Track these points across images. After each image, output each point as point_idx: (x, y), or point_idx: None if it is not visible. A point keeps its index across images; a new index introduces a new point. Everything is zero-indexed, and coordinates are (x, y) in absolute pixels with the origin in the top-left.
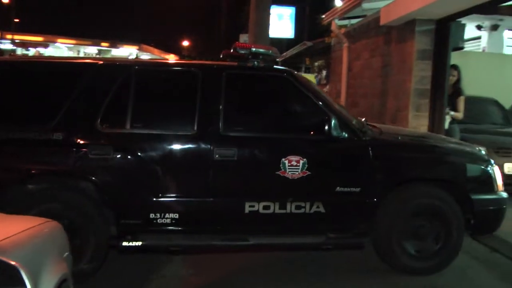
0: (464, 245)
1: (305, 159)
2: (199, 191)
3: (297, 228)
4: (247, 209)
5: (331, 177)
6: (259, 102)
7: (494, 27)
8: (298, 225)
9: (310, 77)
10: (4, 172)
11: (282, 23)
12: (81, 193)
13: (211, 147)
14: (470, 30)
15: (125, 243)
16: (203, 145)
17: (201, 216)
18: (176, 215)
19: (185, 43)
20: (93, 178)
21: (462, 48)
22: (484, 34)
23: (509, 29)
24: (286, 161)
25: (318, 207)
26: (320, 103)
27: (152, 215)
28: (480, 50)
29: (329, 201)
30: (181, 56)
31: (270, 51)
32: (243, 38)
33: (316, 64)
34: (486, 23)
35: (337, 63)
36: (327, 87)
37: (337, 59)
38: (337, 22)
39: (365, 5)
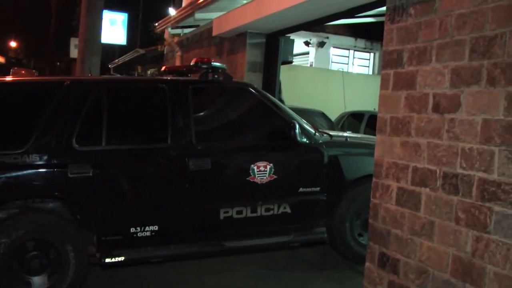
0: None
1: (271, 164)
2: (177, 201)
3: (267, 230)
4: (222, 215)
5: (294, 179)
6: (226, 113)
7: (321, 44)
8: (267, 226)
9: None
10: None
11: (114, 28)
12: (60, 215)
13: (186, 159)
14: (299, 46)
15: (108, 260)
16: (178, 157)
17: (180, 226)
18: (155, 227)
19: (13, 43)
20: (73, 197)
21: (291, 62)
22: (312, 50)
23: (334, 47)
24: (255, 167)
25: (285, 208)
26: (282, 112)
27: (132, 229)
28: (308, 65)
29: (294, 201)
30: (7, 58)
31: (225, 66)
32: (74, 42)
33: (149, 72)
34: (314, 40)
35: None
36: None
37: None
38: (170, 30)
39: (198, 15)
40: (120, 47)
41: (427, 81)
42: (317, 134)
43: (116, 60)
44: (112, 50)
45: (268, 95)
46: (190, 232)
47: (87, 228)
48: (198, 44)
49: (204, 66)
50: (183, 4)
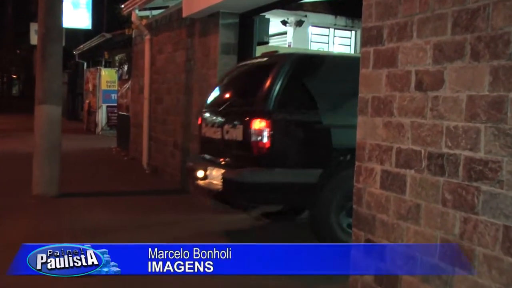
0: None
1: None
2: None
3: None
4: None
5: None
6: None
7: (299, 23)
8: None
9: (110, 72)
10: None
11: (78, 12)
12: None
13: None
14: (276, 25)
15: None
16: None
17: None
18: None
19: None
20: None
21: (267, 42)
22: (289, 29)
23: (313, 25)
24: None
25: None
26: None
27: None
28: (286, 45)
29: None
30: None
31: None
32: (34, 27)
33: (116, 58)
34: (291, 18)
35: (139, 57)
36: (129, 82)
37: (139, 52)
38: (138, 13)
39: None
40: (85, 31)
41: (409, 58)
42: None
43: (81, 46)
44: (76, 35)
45: None
46: None
47: None
48: (168, 26)
49: None
50: None
